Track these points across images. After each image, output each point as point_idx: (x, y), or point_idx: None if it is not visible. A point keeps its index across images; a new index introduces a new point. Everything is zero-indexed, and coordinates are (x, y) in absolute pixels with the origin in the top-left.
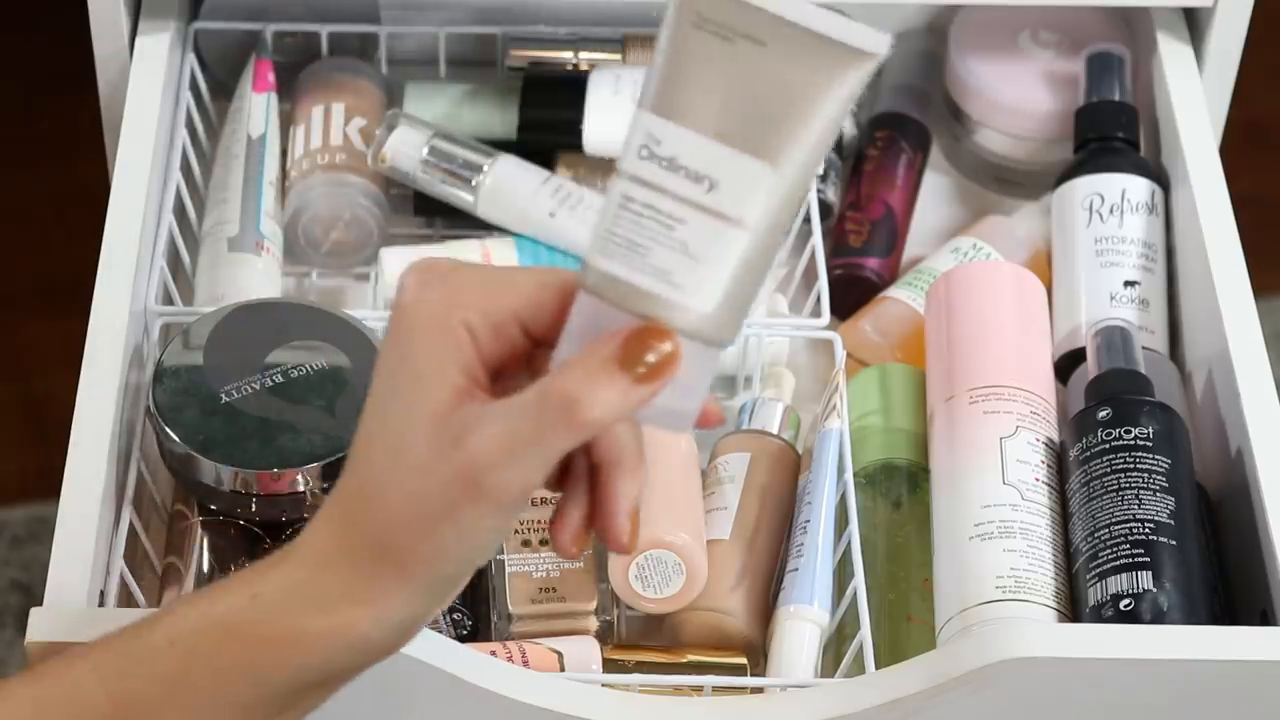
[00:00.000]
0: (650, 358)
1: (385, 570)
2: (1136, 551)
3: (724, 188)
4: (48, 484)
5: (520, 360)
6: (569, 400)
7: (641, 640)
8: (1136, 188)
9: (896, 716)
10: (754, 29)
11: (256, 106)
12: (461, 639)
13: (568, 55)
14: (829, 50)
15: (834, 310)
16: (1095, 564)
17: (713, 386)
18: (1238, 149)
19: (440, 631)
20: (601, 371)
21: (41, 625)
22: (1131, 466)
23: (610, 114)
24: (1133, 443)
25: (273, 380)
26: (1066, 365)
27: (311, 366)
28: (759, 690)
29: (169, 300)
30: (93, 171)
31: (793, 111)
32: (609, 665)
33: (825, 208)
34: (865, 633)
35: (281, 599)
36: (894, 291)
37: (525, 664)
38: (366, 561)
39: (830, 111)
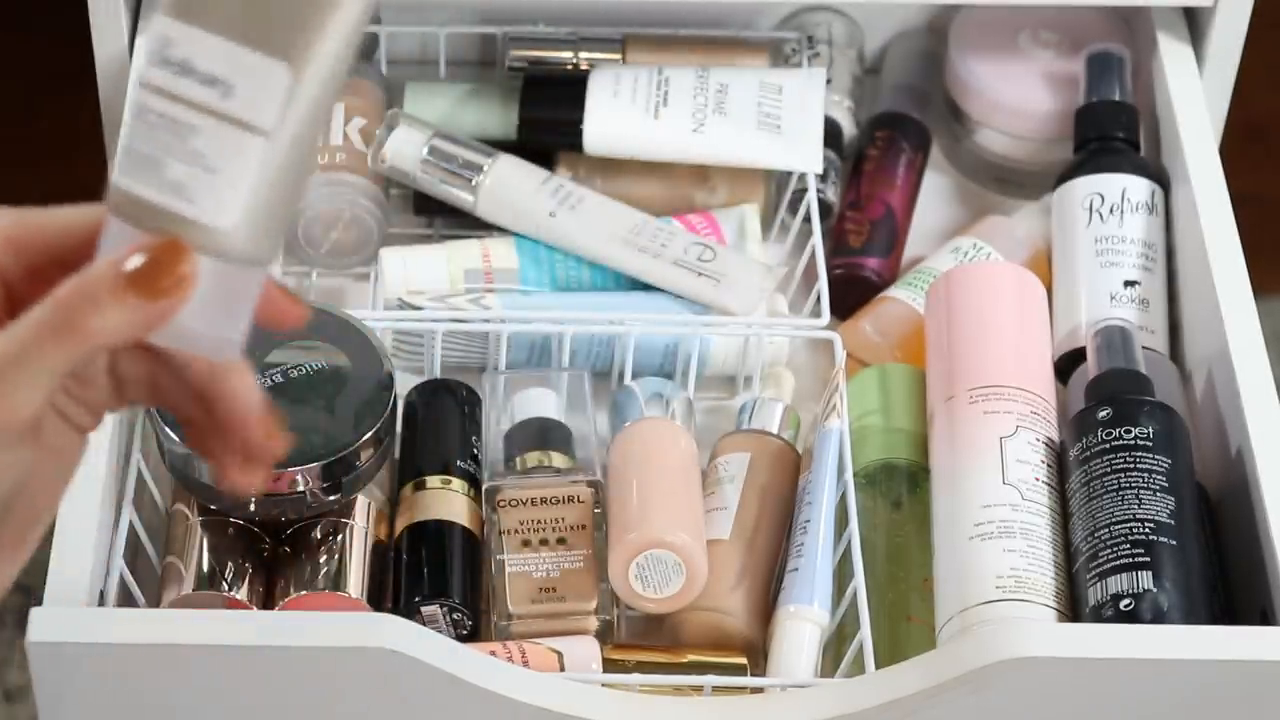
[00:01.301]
0: (161, 275)
1: None
2: (1136, 551)
3: (240, 92)
4: None
5: None
6: (64, 313)
7: (641, 640)
8: (1136, 188)
9: (896, 716)
10: None
11: None
12: (461, 639)
13: (568, 55)
14: None
15: (834, 310)
16: (1095, 564)
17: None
18: (1238, 148)
19: (440, 631)
20: (102, 285)
21: (41, 625)
22: (1131, 466)
23: (610, 114)
24: (1133, 443)
25: (272, 380)
26: (1066, 365)
27: (311, 366)
28: (759, 690)
29: None
30: (93, 171)
31: (312, 5)
32: (609, 665)
33: (825, 207)
34: (865, 633)
35: None
36: (894, 291)
37: (525, 664)
38: None
39: (352, 6)
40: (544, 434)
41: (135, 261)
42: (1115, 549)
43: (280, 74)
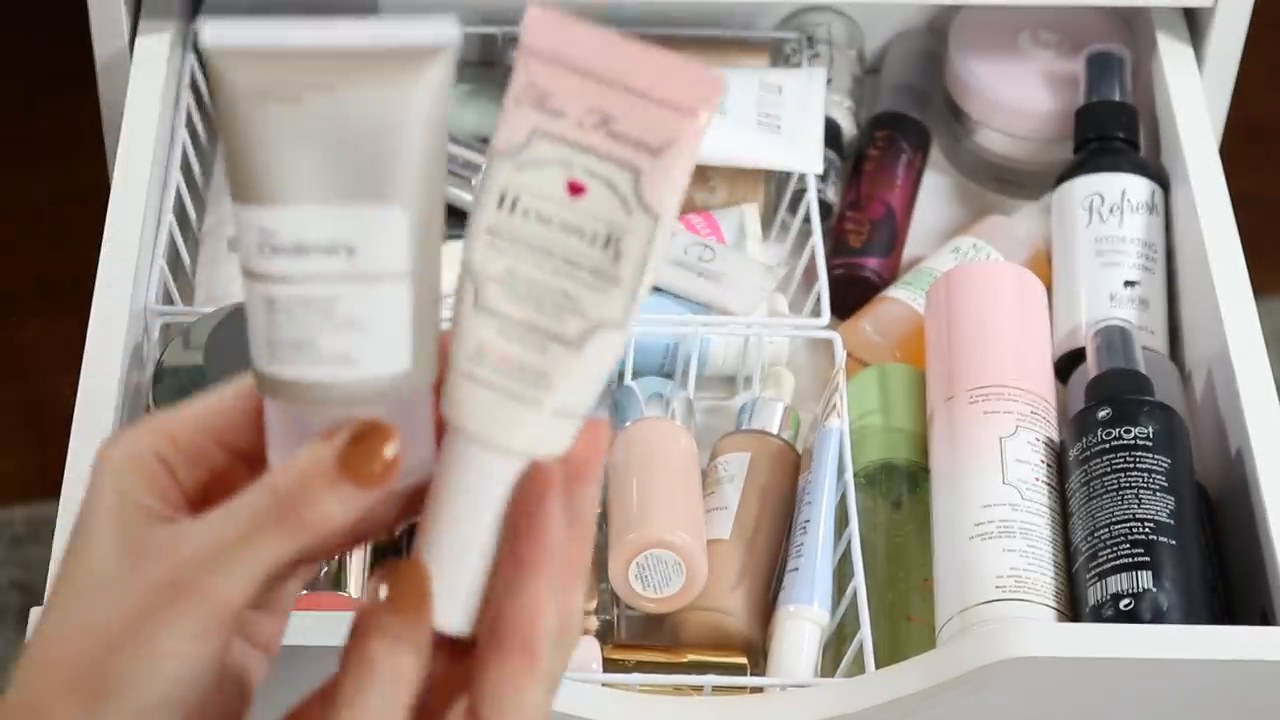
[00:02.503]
0: (373, 463)
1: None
2: (1136, 551)
3: (363, 248)
4: (48, 484)
5: (231, 484)
6: (282, 504)
7: (641, 640)
8: (1136, 188)
9: (896, 716)
10: (313, 76)
11: None
12: None
13: None
14: (394, 61)
15: (834, 310)
16: (1095, 564)
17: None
18: (1238, 149)
19: None
20: (316, 477)
21: None
22: (1131, 466)
23: None
24: (1133, 442)
25: None
26: (1066, 365)
27: None
28: (759, 690)
29: (169, 300)
30: (93, 171)
31: (392, 139)
32: (609, 665)
33: (825, 207)
34: (865, 633)
35: None
36: (894, 291)
37: None
38: (28, 713)
39: (428, 121)
40: None
41: (344, 448)
42: (1115, 549)
43: (394, 215)
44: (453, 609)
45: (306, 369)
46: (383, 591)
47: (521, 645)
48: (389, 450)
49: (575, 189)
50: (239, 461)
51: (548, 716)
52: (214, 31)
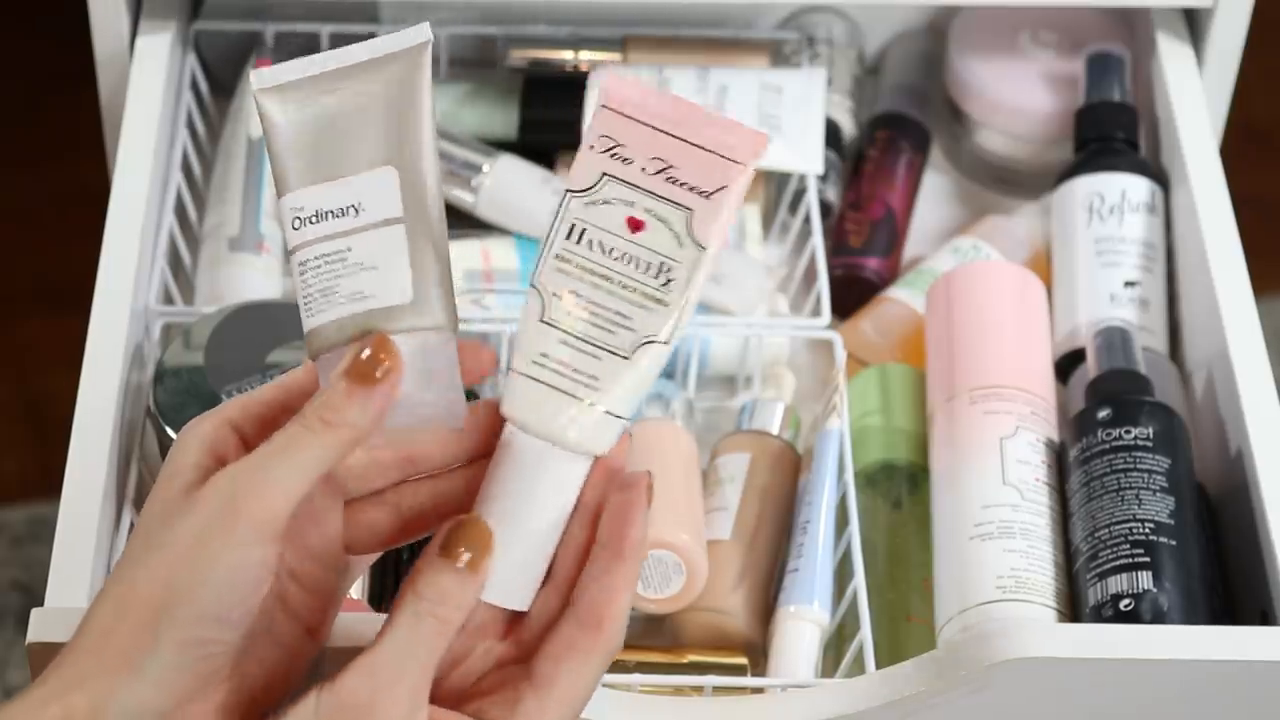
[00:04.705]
0: (373, 363)
1: (124, 640)
2: (1136, 551)
3: (368, 203)
4: (48, 484)
5: None
6: (308, 419)
7: (641, 640)
8: (1136, 188)
9: (896, 716)
10: (322, 90)
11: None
12: None
13: (568, 55)
14: (383, 65)
15: (834, 310)
16: (1095, 564)
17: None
18: (1238, 149)
19: None
20: (334, 391)
21: (41, 625)
22: (1131, 466)
23: None
24: (1133, 443)
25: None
26: (1066, 365)
27: None
28: (759, 690)
29: (169, 300)
30: (93, 171)
31: (389, 121)
32: (609, 666)
33: (825, 208)
34: (865, 633)
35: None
36: (894, 291)
37: None
38: (97, 639)
39: (416, 100)
40: None
41: (349, 359)
42: (1115, 549)
43: (389, 174)
44: (508, 586)
45: (330, 312)
46: (447, 538)
47: (597, 622)
48: (388, 348)
49: (635, 225)
50: None
51: (593, 691)
52: (258, 76)
